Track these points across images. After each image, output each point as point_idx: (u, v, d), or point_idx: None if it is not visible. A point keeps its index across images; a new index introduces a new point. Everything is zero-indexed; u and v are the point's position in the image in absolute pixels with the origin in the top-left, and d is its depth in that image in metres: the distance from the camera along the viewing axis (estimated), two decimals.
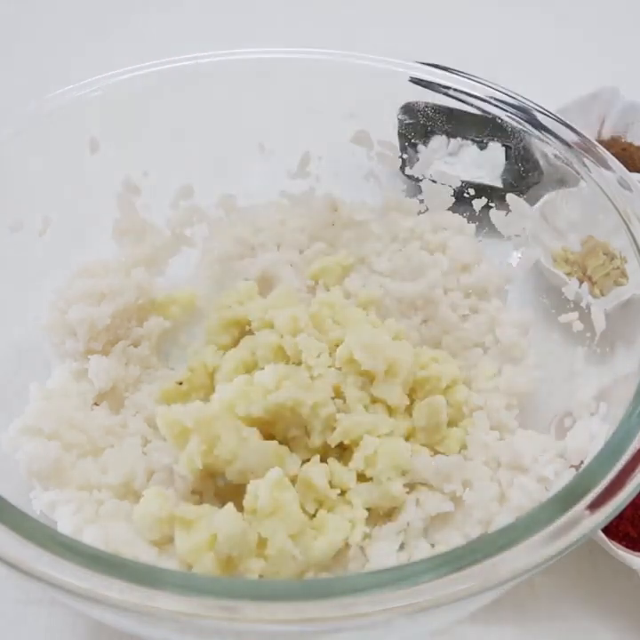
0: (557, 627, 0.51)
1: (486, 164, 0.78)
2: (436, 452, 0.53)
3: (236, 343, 0.56)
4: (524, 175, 0.72)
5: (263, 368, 0.51)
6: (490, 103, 0.61)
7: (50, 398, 0.52)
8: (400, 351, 0.53)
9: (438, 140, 0.78)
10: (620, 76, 0.89)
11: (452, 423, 0.54)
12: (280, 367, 0.51)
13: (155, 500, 0.46)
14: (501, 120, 0.61)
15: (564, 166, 0.57)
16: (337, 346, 0.53)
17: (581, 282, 0.58)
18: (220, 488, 0.49)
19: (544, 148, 0.58)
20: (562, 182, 0.58)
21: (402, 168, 0.67)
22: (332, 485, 0.48)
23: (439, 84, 0.62)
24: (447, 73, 0.63)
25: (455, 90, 0.62)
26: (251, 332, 0.56)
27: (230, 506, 0.44)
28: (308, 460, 0.50)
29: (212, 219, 0.65)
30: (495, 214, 0.61)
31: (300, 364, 0.52)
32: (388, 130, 0.66)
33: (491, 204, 0.62)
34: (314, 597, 0.32)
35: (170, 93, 0.62)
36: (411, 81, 0.63)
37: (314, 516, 0.47)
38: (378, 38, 0.98)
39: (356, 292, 0.61)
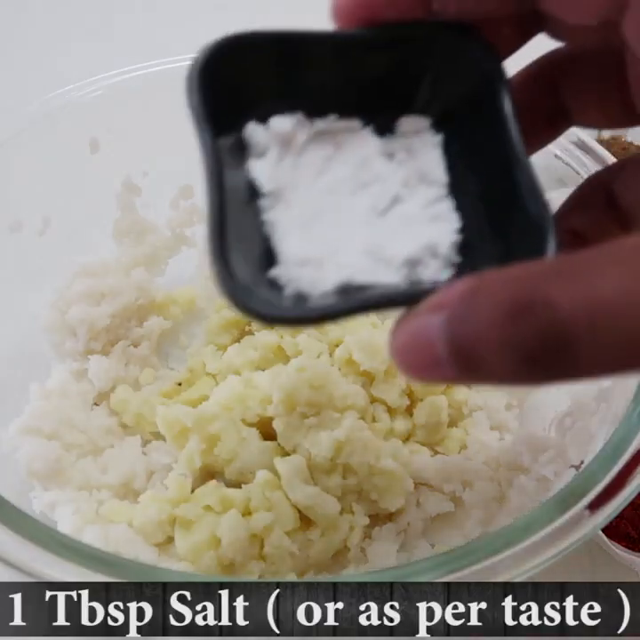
0: None
1: None
2: (436, 452, 0.53)
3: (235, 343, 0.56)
4: None
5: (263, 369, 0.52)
6: None
7: (50, 398, 0.52)
8: None
9: None
10: None
11: (452, 423, 0.54)
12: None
13: (152, 504, 0.46)
14: None
15: (564, 166, 0.57)
16: (337, 346, 0.53)
17: None
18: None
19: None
20: (562, 182, 0.58)
21: None
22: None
23: None
24: None
25: None
26: (251, 332, 0.56)
27: (234, 511, 0.44)
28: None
29: None
30: None
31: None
32: None
33: None
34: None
35: (170, 93, 0.61)
36: None
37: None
38: None
39: None
